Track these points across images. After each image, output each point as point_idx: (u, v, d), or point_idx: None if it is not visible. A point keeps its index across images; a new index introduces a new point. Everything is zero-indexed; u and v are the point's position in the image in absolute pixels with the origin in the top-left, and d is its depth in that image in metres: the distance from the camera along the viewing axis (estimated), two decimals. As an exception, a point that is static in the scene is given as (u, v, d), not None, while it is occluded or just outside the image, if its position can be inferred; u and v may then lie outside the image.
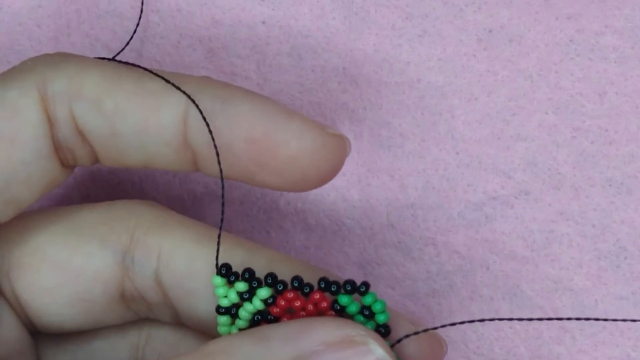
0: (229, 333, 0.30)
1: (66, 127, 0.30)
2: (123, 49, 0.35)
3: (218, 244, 0.30)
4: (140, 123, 0.29)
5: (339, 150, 0.30)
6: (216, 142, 0.29)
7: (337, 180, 0.36)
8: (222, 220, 0.30)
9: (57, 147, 0.30)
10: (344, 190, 0.36)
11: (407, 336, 0.29)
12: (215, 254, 0.30)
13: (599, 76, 0.35)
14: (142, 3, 0.35)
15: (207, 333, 0.32)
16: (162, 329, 0.32)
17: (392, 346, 0.29)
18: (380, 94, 0.35)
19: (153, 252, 0.31)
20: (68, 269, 0.31)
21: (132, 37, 0.36)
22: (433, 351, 0.30)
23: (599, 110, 0.35)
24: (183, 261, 0.30)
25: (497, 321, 0.35)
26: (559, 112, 0.35)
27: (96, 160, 0.31)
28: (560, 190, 0.35)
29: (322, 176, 0.30)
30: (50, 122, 0.30)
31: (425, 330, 0.29)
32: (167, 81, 0.29)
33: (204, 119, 0.29)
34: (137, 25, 0.34)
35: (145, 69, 0.30)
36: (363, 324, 0.29)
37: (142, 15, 0.36)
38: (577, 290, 0.35)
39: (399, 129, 0.35)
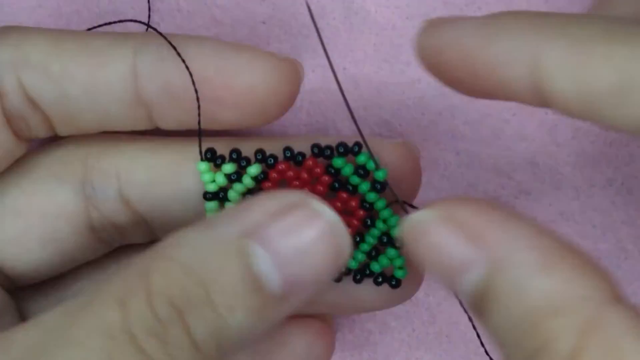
0: None
1: (16, 97, 0.30)
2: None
3: (199, 130, 0.30)
4: (89, 82, 0.29)
5: (293, 73, 0.30)
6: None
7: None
8: (198, 104, 0.30)
9: (9, 118, 0.30)
10: (344, 190, 0.36)
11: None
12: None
13: (599, 76, 0.35)
14: (149, 8, 0.36)
15: None
16: (140, 251, 0.33)
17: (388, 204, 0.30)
18: (380, 94, 0.35)
19: (111, 173, 0.31)
20: (30, 213, 0.31)
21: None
22: (409, 157, 0.31)
23: (599, 110, 0.35)
24: (143, 172, 0.31)
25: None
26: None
27: (52, 129, 0.31)
28: (560, 190, 0.35)
29: (280, 103, 0.30)
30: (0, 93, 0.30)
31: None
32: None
33: (184, 62, 0.29)
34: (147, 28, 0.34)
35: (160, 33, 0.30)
36: (359, 184, 0.30)
37: (142, 15, 0.36)
38: (577, 291, 0.35)
39: (399, 129, 0.35)
